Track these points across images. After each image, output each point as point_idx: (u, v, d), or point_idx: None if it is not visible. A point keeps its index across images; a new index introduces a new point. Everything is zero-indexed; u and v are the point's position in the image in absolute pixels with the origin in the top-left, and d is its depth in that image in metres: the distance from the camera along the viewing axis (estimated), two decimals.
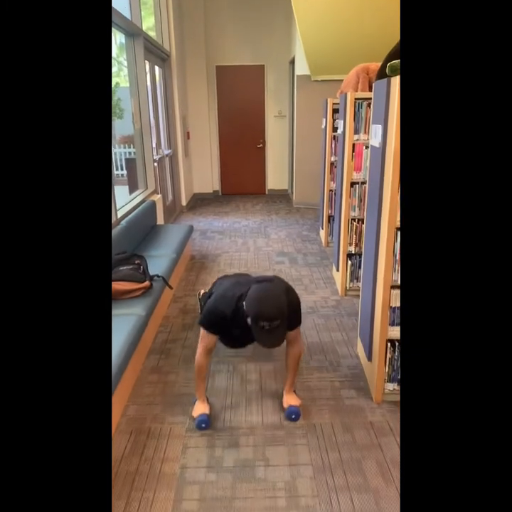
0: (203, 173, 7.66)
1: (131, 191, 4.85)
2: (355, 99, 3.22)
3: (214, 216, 6.40)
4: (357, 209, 3.39)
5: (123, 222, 3.50)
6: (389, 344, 2.19)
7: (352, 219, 3.42)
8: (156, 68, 5.51)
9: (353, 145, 3.27)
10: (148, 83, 4.88)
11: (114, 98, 9.54)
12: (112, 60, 4.37)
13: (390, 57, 2.59)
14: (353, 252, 3.51)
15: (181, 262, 4.02)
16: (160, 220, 4.75)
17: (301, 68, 6.13)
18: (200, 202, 7.41)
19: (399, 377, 2.22)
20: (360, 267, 3.45)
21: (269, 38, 7.06)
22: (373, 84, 2.32)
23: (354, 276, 3.55)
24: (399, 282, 2.08)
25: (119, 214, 3.63)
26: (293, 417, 2.15)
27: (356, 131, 3.27)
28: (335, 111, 4.37)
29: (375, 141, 2.19)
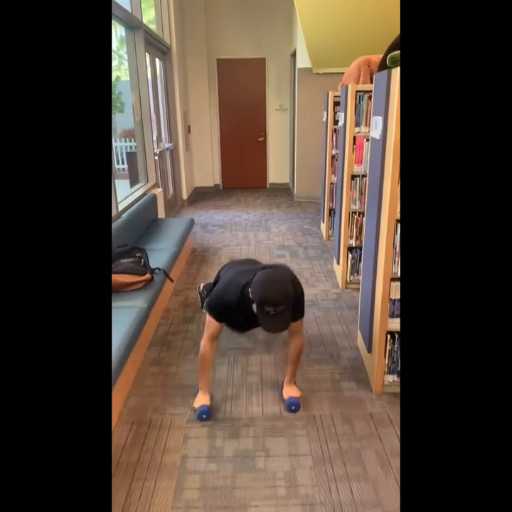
0: (204, 166, 7.65)
1: (132, 185, 4.85)
2: (356, 91, 3.21)
3: (215, 210, 6.40)
4: (358, 202, 3.39)
5: (124, 215, 3.50)
6: (389, 336, 2.20)
7: (353, 212, 3.42)
8: (157, 61, 5.49)
9: (354, 138, 3.26)
10: (149, 76, 4.86)
11: (115, 92, 9.49)
12: (113, 54, 4.35)
13: (391, 48, 2.57)
14: (353, 246, 3.51)
15: (182, 256, 4.03)
16: (161, 213, 4.76)
17: (303, 61, 6.11)
18: (201, 195, 7.41)
19: (399, 369, 2.24)
20: (360, 261, 3.45)
21: (271, 31, 7.02)
22: (374, 76, 2.31)
23: (354, 270, 3.55)
24: (399, 274, 2.08)
25: (120, 207, 3.63)
26: (293, 408, 2.17)
27: (357, 124, 3.26)
28: (336, 104, 4.35)
29: (376, 132, 2.19)
